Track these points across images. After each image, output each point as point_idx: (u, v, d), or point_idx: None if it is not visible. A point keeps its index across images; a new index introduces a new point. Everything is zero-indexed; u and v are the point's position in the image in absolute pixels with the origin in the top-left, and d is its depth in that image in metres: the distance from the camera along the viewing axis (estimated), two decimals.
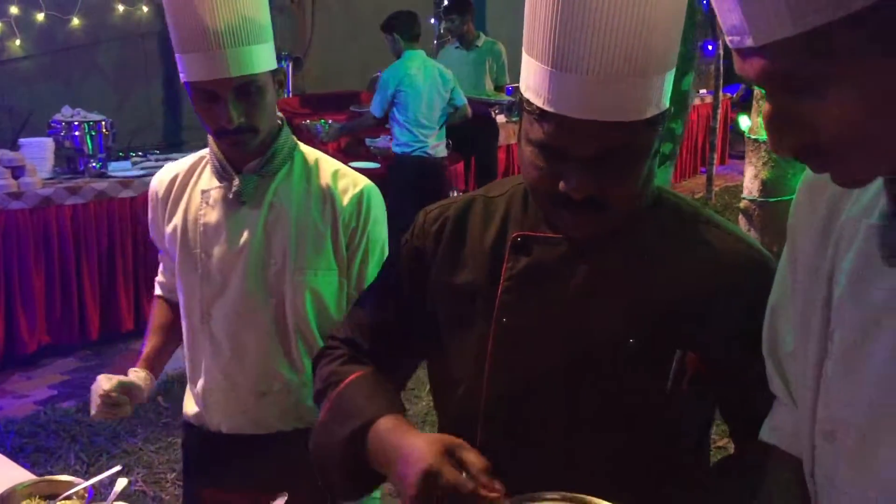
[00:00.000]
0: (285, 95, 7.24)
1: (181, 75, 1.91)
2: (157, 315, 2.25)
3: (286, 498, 1.34)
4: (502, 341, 1.30)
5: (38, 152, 5.61)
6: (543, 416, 1.24)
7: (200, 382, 2.09)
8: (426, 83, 6.14)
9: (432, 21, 9.76)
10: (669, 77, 1.19)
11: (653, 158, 1.24)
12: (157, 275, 2.29)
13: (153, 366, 2.13)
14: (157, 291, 2.30)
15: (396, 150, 6.26)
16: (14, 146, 5.71)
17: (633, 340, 1.23)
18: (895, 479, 0.86)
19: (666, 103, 1.20)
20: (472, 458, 1.16)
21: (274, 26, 1.98)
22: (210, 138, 2.01)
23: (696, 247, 1.30)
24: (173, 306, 2.21)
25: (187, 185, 2.05)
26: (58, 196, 5.33)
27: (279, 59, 2.40)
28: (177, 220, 2.04)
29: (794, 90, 0.80)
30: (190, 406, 2.16)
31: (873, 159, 0.82)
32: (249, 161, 1.96)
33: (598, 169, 1.18)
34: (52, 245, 5.33)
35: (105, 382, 2.00)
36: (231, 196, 1.97)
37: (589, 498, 1.15)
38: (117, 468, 2.00)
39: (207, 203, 2.01)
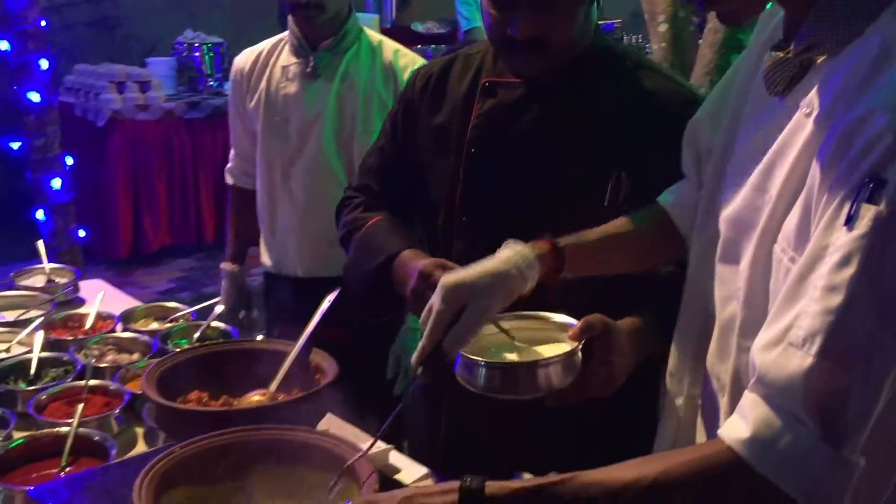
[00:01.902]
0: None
1: None
2: (233, 212, 2.67)
3: (337, 293, 1.66)
4: (471, 169, 1.59)
5: (163, 70, 6.16)
6: (506, 232, 1.51)
7: (280, 234, 2.45)
8: None
9: None
10: None
11: (589, 6, 1.49)
12: None
13: (240, 258, 2.58)
14: (229, 180, 2.69)
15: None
16: (142, 65, 6.28)
17: (575, 168, 1.51)
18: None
19: None
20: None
21: None
22: (290, 20, 2.37)
23: (634, 87, 1.55)
24: (244, 192, 2.61)
25: (269, 62, 2.42)
26: (179, 110, 5.87)
27: None
28: (260, 92, 2.41)
29: None
30: (266, 257, 2.54)
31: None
32: (323, 40, 2.31)
33: (539, 15, 1.44)
34: (173, 154, 5.88)
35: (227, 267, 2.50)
36: (308, 70, 2.33)
37: (544, 315, 1.37)
38: (217, 299, 2.40)
39: (287, 77, 2.37)
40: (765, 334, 0.92)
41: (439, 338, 1.19)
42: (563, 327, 1.33)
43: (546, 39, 1.47)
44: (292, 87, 2.37)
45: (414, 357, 1.20)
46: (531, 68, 1.54)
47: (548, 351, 1.29)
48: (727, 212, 1.15)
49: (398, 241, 1.61)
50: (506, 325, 1.32)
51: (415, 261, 1.50)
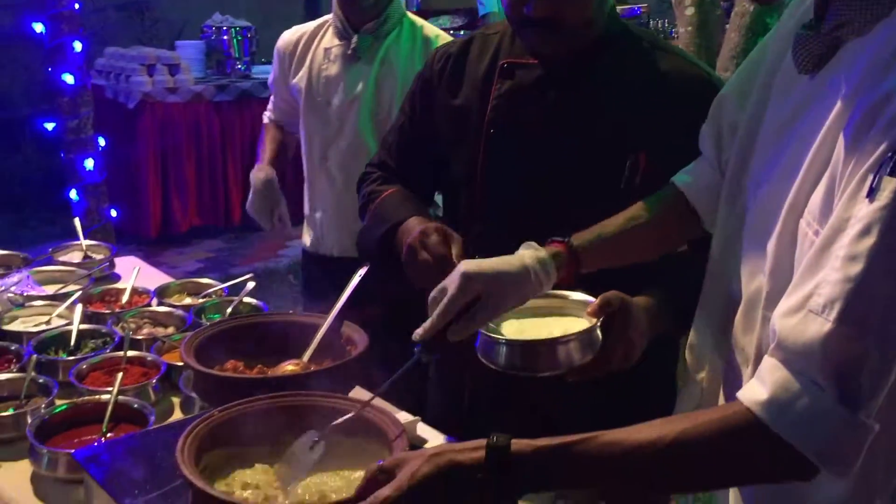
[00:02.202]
0: None
1: None
2: (269, 131, 2.69)
3: (367, 268, 1.71)
4: (490, 150, 1.62)
5: (192, 53, 6.23)
6: (523, 213, 1.53)
7: (318, 214, 2.51)
8: None
9: None
10: None
11: None
12: None
13: (274, 164, 2.58)
14: (266, 122, 2.74)
15: None
16: (171, 48, 6.35)
17: (591, 150, 1.53)
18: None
19: None
20: (457, 244, 1.46)
21: None
22: (334, 2, 2.42)
23: (651, 69, 1.57)
24: (280, 127, 2.67)
25: (312, 43, 2.47)
26: (207, 92, 5.94)
27: None
28: (302, 73, 2.47)
29: None
30: (306, 237, 2.60)
31: None
32: (366, 23, 2.35)
33: None
34: (201, 137, 5.96)
35: (260, 173, 2.50)
36: (349, 52, 2.37)
37: (562, 293, 1.39)
38: (249, 275, 2.46)
39: (329, 59, 2.42)
40: (786, 302, 0.96)
41: (447, 321, 1.22)
42: (582, 304, 1.35)
43: (561, 19, 1.50)
44: (333, 69, 2.42)
45: (418, 332, 1.23)
46: (546, 48, 1.57)
47: (567, 327, 1.32)
48: (755, 188, 1.18)
49: (406, 210, 1.65)
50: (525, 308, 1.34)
51: (421, 224, 1.54)
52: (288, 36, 2.55)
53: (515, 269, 1.27)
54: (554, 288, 1.33)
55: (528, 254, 1.30)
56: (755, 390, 0.96)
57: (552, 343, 1.28)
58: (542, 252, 1.30)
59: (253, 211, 2.54)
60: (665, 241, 1.46)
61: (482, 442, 1.00)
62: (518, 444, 1.00)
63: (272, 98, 2.72)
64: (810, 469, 0.93)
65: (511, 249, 1.38)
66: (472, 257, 1.49)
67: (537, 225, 1.52)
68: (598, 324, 1.31)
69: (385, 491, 1.01)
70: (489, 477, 0.99)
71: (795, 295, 0.95)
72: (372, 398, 1.27)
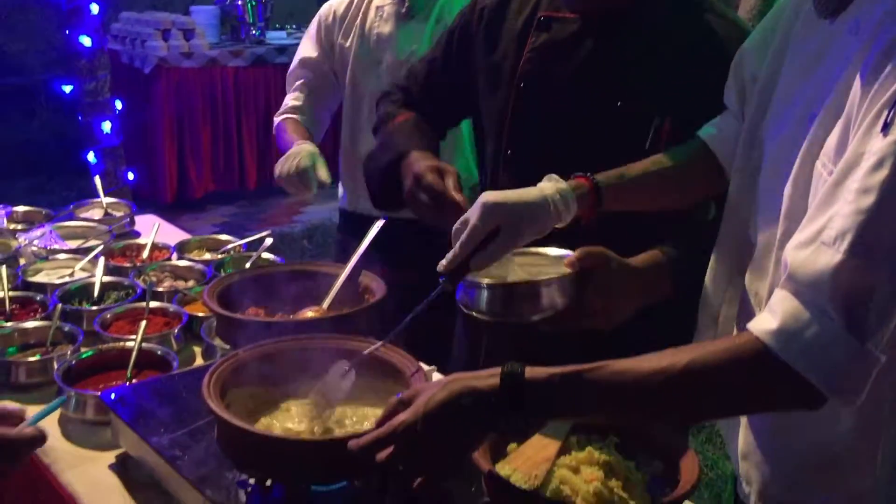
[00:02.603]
0: None
1: None
2: (290, 123, 2.56)
3: (385, 220, 1.73)
4: (519, 103, 1.62)
5: (207, 19, 6.24)
6: (549, 167, 1.54)
7: (359, 171, 2.47)
8: None
9: None
10: None
11: None
12: None
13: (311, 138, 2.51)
14: (282, 119, 2.60)
15: None
16: (185, 13, 6.36)
17: (620, 104, 1.52)
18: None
19: None
20: (451, 178, 1.49)
21: None
22: None
23: (692, 28, 1.54)
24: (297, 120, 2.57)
25: (363, 2, 2.45)
26: (222, 58, 5.95)
27: None
28: (354, 34, 2.44)
29: None
30: (345, 196, 2.60)
31: None
32: None
33: None
34: (216, 102, 5.98)
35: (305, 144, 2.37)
36: (403, 11, 2.37)
37: (539, 249, 1.42)
38: (267, 231, 2.49)
39: (381, 17, 2.41)
40: (798, 236, 0.98)
41: (469, 251, 1.26)
42: (561, 258, 1.37)
43: None
44: (386, 28, 2.40)
45: (442, 263, 1.27)
46: (585, 3, 1.56)
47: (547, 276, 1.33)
48: (773, 134, 1.20)
49: (414, 141, 1.66)
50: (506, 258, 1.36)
51: (419, 163, 1.56)
52: (333, 4, 2.52)
53: (535, 198, 1.29)
54: (569, 228, 1.35)
55: (548, 185, 1.32)
56: (765, 320, 0.98)
57: (532, 285, 1.30)
58: (564, 184, 1.32)
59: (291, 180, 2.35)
60: (688, 191, 1.46)
61: (497, 369, 1.04)
62: (532, 370, 1.03)
63: (295, 84, 2.62)
64: (818, 398, 0.96)
65: None
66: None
67: (563, 177, 1.55)
68: (576, 271, 1.32)
69: (402, 416, 1.05)
70: (503, 401, 1.01)
71: (808, 229, 0.97)
72: (401, 326, 1.28)
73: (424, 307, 1.25)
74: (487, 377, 1.04)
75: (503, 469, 1.17)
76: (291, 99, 2.61)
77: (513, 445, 1.23)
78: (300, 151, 2.33)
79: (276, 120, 2.62)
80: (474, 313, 1.34)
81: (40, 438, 1.23)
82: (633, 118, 1.53)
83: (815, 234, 0.95)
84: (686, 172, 1.43)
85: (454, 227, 1.28)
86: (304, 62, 2.60)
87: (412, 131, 1.71)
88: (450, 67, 1.80)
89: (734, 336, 1.06)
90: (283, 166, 2.34)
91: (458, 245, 1.26)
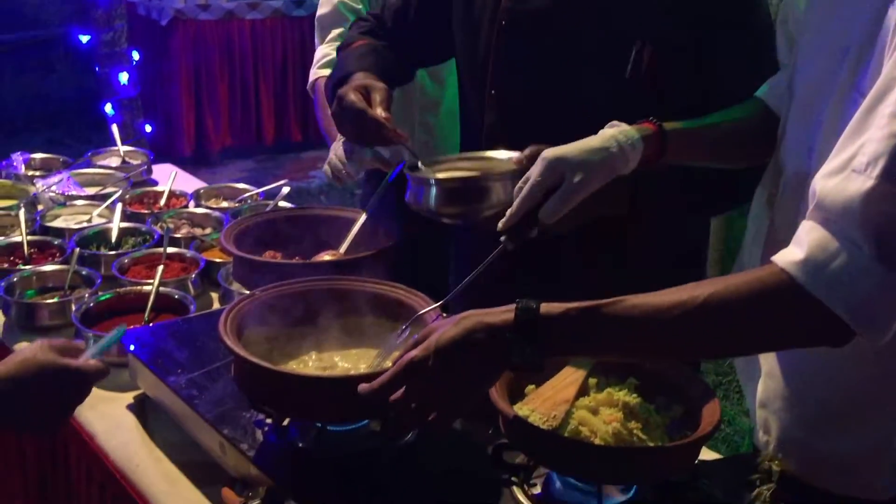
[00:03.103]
0: None
1: None
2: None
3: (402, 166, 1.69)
4: (500, 42, 1.56)
5: None
6: (533, 104, 1.49)
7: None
8: None
9: None
10: None
11: None
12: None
13: None
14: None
15: None
16: None
17: (597, 36, 1.46)
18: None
19: None
20: (378, 95, 1.46)
21: None
22: None
23: None
24: None
25: None
26: (239, 10, 5.89)
27: None
28: None
29: None
30: (381, 150, 2.53)
31: None
32: None
33: None
34: (234, 56, 5.93)
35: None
36: None
37: (485, 153, 1.45)
38: (284, 181, 2.48)
39: None
40: (828, 165, 0.95)
41: (528, 208, 1.21)
42: (509, 159, 1.38)
43: None
44: None
45: (502, 222, 1.23)
46: None
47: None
48: (804, 70, 1.17)
49: (362, 64, 1.61)
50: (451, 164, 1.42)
51: (350, 83, 1.51)
52: None
53: (600, 144, 1.24)
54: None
55: (612, 131, 1.27)
56: (792, 252, 0.95)
57: (479, 180, 1.32)
58: (631, 129, 1.28)
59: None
60: (750, 150, 1.39)
61: (511, 305, 1.01)
62: (548, 306, 1.00)
63: (332, 33, 2.29)
64: (843, 332, 0.93)
65: (523, 138, 1.37)
66: (492, 148, 1.49)
67: (550, 113, 1.51)
68: (522, 169, 1.28)
69: (413, 352, 1.03)
70: (518, 336, 0.99)
71: (838, 157, 0.94)
72: (460, 287, 1.24)
73: (484, 267, 1.21)
74: (501, 313, 1.01)
75: (521, 409, 1.16)
76: (329, 49, 2.28)
77: (531, 387, 1.22)
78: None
79: (314, 75, 2.29)
80: (423, 212, 1.35)
81: (103, 371, 1.23)
82: (609, 46, 1.47)
83: (846, 162, 0.92)
84: (747, 129, 1.38)
85: (517, 186, 1.24)
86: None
87: (365, 55, 1.66)
88: (429, 4, 1.72)
89: (758, 269, 1.01)
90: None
91: (518, 201, 1.22)
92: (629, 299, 0.99)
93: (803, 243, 0.94)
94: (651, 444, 1.11)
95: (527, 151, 1.33)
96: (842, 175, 0.92)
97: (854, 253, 0.91)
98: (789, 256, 0.95)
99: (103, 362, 1.25)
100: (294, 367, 1.29)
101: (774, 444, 1.22)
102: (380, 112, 1.45)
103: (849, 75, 1.03)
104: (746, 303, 0.95)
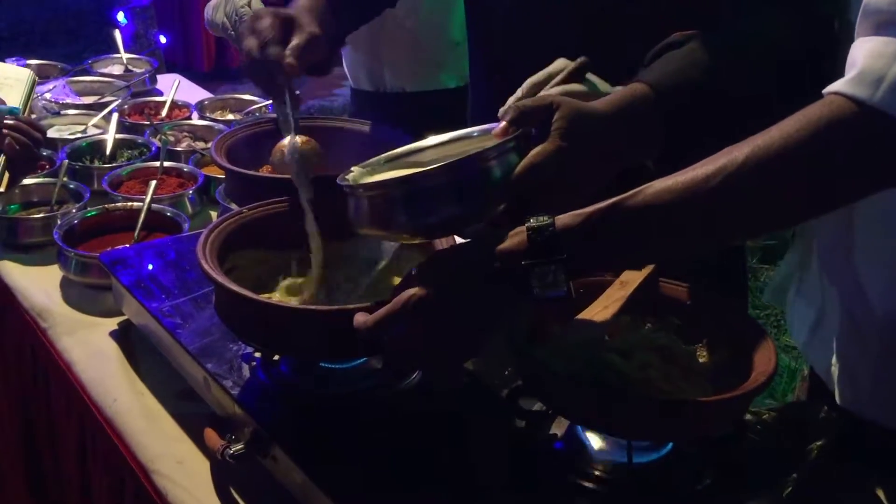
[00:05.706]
0: None
1: None
2: None
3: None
4: None
5: None
6: (540, 42, 1.30)
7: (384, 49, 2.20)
8: None
9: None
10: None
11: None
12: None
13: None
14: None
15: None
16: None
17: None
18: None
19: None
20: (298, 39, 1.21)
21: None
22: None
23: None
24: None
25: None
26: None
27: None
28: None
29: None
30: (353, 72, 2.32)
31: None
32: None
33: None
34: None
35: None
36: None
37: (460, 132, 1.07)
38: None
39: None
40: None
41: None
42: (488, 132, 0.99)
43: None
44: None
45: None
46: None
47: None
48: None
49: None
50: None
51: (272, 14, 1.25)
52: None
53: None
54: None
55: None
56: (842, 78, 0.78)
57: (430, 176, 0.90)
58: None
59: None
60: None
61: (521, 227, 0.83)
62: (562, 219, 0.83)
63: None
64: None
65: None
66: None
67: (545, 48, 1.22)
68: (510, 142, 0.94)
69: (413, 289, 0.87)
70: (536, 261, 0.81)
71: None
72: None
73: None
74: (512, 236, 0.84)
75: (541, 352, 1.00)
76: None
77: (555, 328, 1.06)
78: None
79: None
80: (362, 231, 0.98)
81: None
82: None
83: None
84: None
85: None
86: None
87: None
88: None
89: (800, 111, 0.79)
90: None
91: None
92: (654, 184, 0.81)
93: (856, 61, 0.77)
94: (692, 397, 0.95)
95: (511, 113, 0.97)
96: None
97: None
98: (841, 80, 0.78)
99: None
100: (280, 298, 1.14)
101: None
102: (288, 58, 1.18)
103: None
104: (799, 145, 0.77)
